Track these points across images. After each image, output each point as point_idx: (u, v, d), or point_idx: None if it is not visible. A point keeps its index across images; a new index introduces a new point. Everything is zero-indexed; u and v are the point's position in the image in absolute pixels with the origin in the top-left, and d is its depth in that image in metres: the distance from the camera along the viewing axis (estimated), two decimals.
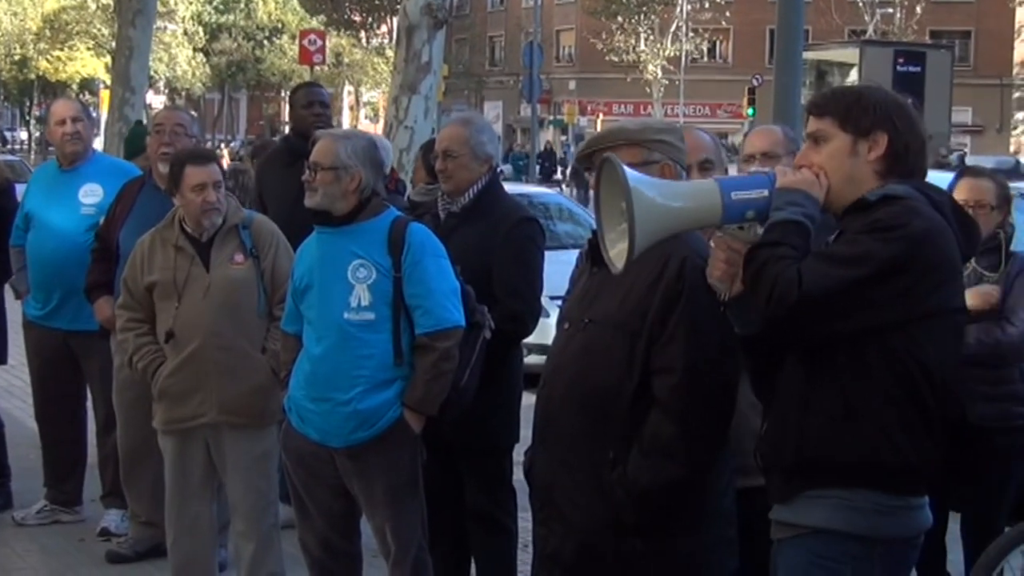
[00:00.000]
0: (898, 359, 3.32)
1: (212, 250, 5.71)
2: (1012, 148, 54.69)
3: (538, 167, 45.04)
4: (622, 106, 57.58)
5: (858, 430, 3.32)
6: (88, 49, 54.87)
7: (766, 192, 3.35)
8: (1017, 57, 58.54)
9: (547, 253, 5.75)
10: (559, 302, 4.61)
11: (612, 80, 57.69)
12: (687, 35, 55.98)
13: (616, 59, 55.25)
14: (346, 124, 57.17)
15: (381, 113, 50.03)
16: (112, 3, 27.88)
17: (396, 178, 8.32)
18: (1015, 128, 58.20)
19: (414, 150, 10.51)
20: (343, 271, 4.97)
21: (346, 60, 61.34)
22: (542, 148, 51.39)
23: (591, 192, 4.27)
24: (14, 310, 7.66)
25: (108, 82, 33.33)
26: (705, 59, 60.32)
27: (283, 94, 65.77)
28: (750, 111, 43.13)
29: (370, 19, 64.35)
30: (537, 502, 4.11)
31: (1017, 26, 57.93)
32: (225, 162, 15.49)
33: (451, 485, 5.57)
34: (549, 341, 4.26)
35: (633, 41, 55.45)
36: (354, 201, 5.01)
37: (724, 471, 3.95)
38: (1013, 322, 5.44)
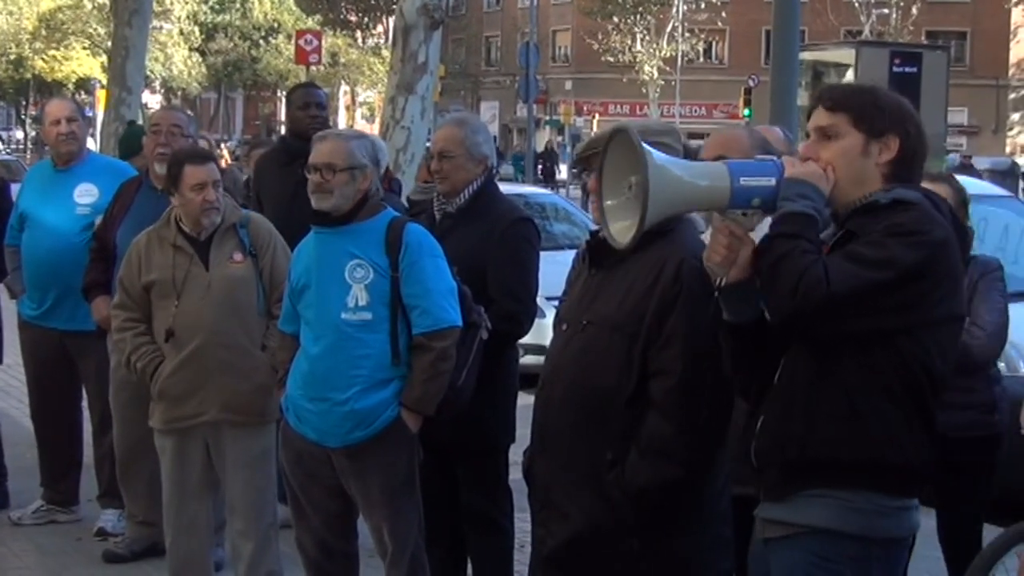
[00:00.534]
0: (905, 363, 3.34)
1: (211, 249, 5.71)
2: (1008, 149, 54.79)
3: (540, 167, 44.98)
4: (618, 106, 57.57)
5: (864, 431, 3.34)
6: (84, 49, 54.84)
7: (774, 181, 3.34)
8: (1013, 58, 58.59)
9: (543, 253, 5.75)
10: (555, 303, 4.62)
11: (608, 80, 57.72)
12: (683, 36, 55.98)
13: (612, 59, 55.27)
14: (342, 124, 57.14)
15: (377, 113, 50.00)
16: (108, 3, 27.90)
17: (391, 178, 8.32)
18: (1011, 129, 58.26)
19: (410, 150, 10.53)
20: (340, 271, 4.97)
21: (342, 60, 61.30)
22: (543, 148, 51.30)
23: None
24: (9, 310, 7.66)
25: (104, 82, 33.32)
26: (701, 60, 60.34)
27: (279, 94, 65.80)
28: (746, 112, 43.11)
29: (366, 19, 64.34)
30: (536, 503, 4.12)
31: (1013, 27, 57.98)
32: (224, 162, 15.51)
33: (448, 485, 5.58)
34: (546, 341, 4.27)
35: (629, 41, 55.46)
36: (358, 200, 5.02)
37: (720, 472, 3.96)
38: (980, 326, 5.43)
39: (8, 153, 41.37)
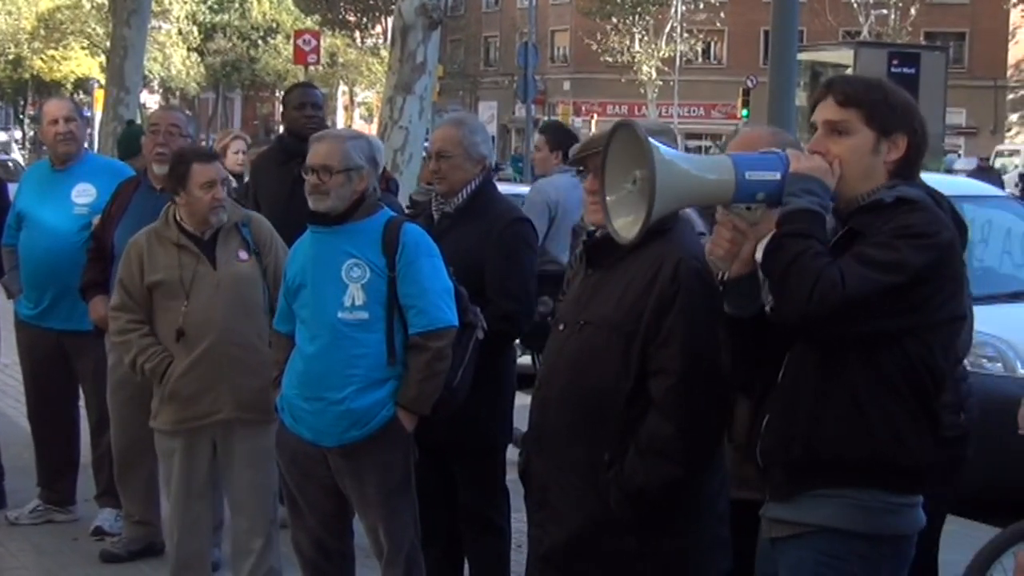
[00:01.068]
0: (910, 362, 3.35)
1: (217, 247, 5.70)
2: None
3: None
4: (616, 107, 57.51)
5: (870, 430, 3.34)
6: (83, 48, 54.90)
7: (779, 175, 3.32)
8: (1011, 59, 58.58)
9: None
10: None
11: (607, 81, 57.70)
12: (682, 36, 55.98)
13: (611, 60, 55.25)
14: (340, 124, 57.14)
15: (375, 113, 50.02)
16: (107, 2, 27.87)
17: (388, 178, 8.32)
18: (1009, 130, 58.24)
19: (408, 150, 10.52)
20: (337, 270, 4.97)
21: (341, 60, 61.32)
22: None
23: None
24: (6, 309, 7.65)
25: (102, 81, 33.32)
26: (699, 60, 60.30)
27: (277, 94, 65.66)
28: (744, 112, 43.16)
29: (365, 19, 64.34)
30: (533, 503, 4.11)
31: (1011, 28, 57.96)
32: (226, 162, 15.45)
33: (444, 485, 5.58)
34: None
35: (628, 42, 55.45)
36: (355, 201, 5.02)
37: (718, 471, 3.96)
38: None
39: (7, 153, 41.24)
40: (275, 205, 6.81)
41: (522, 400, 4.93)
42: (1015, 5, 55.69)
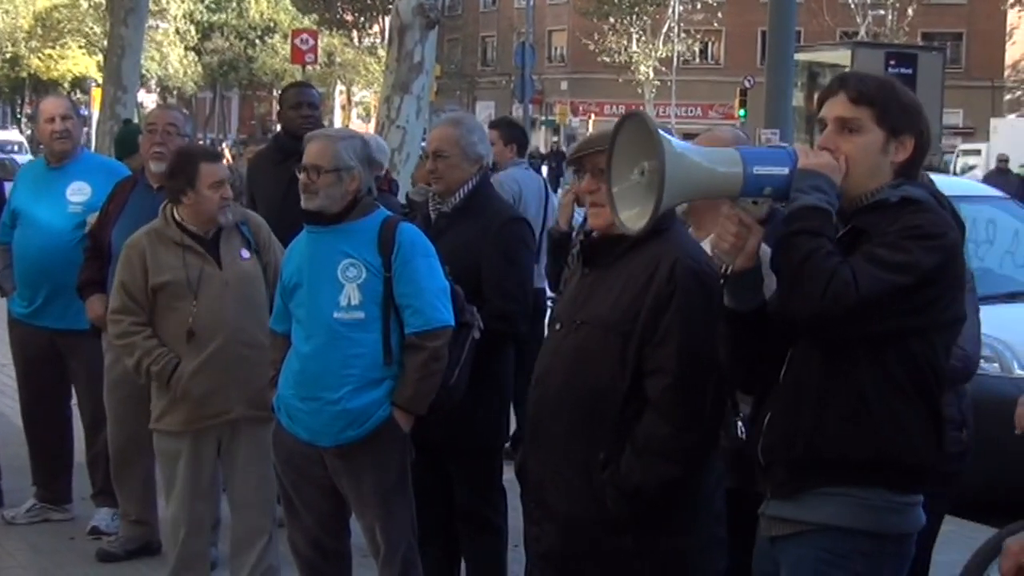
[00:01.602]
0: (915, 363, 3.36)
1: (220, 246, 5.69)
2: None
3: (545, 168, 44.79)
4: (614, 107, 57.48)
5: (876, 429, 3.34)
6: (80, 47, 54.87)
7: (787, 170, 3.31)
8: (1008, 59, 58.60)
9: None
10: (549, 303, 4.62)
11: (604, 81, 57.71)
12: (679, 36, 56.00)
13: (608, 60, 55.28)
14: (338, 123, 57.14)
15: (373, 113, 49.98)
16: (104, 1, 27.86)
17: (390, 179, 8.32)
18: (995, 131, 58.19)
19: (406, 150, 10.53)
20: (333, 270, 4.96)
21: (338, 59, 61.30)
22: (548, 149, 51.02)
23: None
24: (0, 308, 7.65)
25: (100, 80, 33.28)
26: (697, 60, 60.32)
27: (275, 93, 65.56)
28: (742, 112, 43.16)
29: (362, 19, 64.36)
30: (530, 502, 4.11)
31: (1009, 28, 57.99)
32: (227, 161, 15.46)
33: (440, 484, 5.58)
34: None
35: (625, 42, 55.48)
36: (348, 201, 5.01)
37: (714, 470, 3.96)
38: (961, 345, 5.42)
39: (3, 151, 41.18)
40: (271, 205, 6.81)
41: None
42: (1012, 6, 55.76)
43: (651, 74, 54.90)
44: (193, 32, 61.61)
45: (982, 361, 7.69)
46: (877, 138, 3.41)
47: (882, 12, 51.87)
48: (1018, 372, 7.74)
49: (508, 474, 5.55)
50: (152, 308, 5.68)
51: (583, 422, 3.86)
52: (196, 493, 5.69)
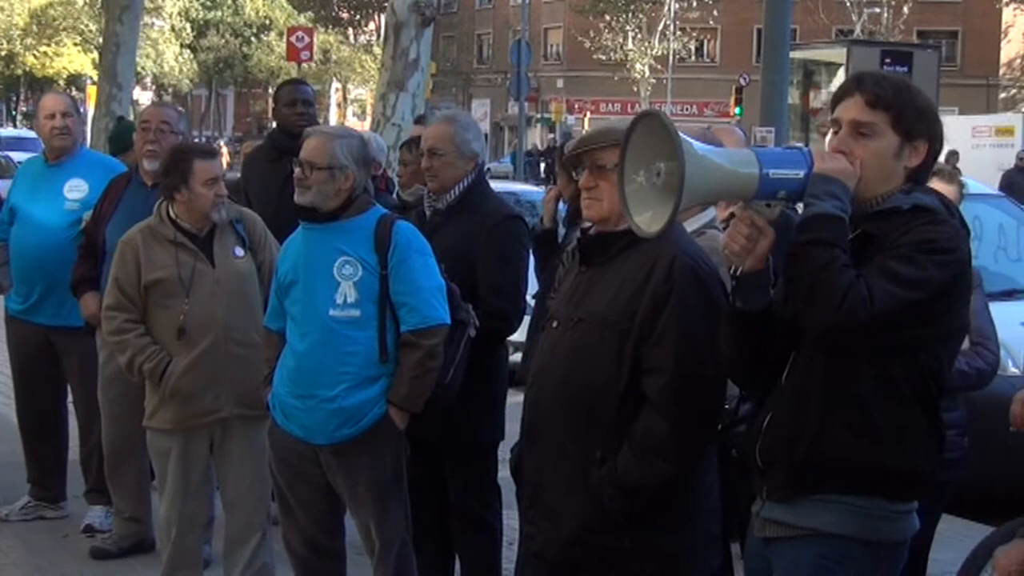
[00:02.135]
0: (920, 372, 3.35)
1: (214, 244, 5.68)
2: None
3: (543, 166, 44.73)
4: (609, 104, 57.57)
5: (877, 437, 3.33)
6: (75, 45, 54.77)
7: (802, 174, 3.28)
8: (1004, 57, 58.63)
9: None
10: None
11: (600, 78, 57.72)
12: (675, 34, 56.02)
13: (604, 58, 55.29)
14: (333, 121, 57.13)
15: (368, 110, 49.98)
16: None
17: (386, 177, 8.31)
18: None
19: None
20: (329, 268, 4.96)
21: (334, 57, 61.30)
22: (546, 146, 50.94)
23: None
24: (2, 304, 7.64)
25: (95, 78, 33.24)
26: (693, 58, 60.32)
27: (270, 91, 65.55)
28: (737, 110, 43.18)
29: (358, 16, 64.38)
30: (525, 500, 4.11)
31: (1004, 26, 58.01)
32: (225, 159, 15.46)
33: (435, 482, 5.57)
34: None
35: (621, 40, 55.47)
36: (343, 199, 5.01)
37: (710, 468, 3.96)
38: (990, 348, 5.42)
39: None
40: (266, 202, 6.80)
41: (514, 397, 4.92)
42: (1007, 4, 55.74)
43: (647, 72, 54.92)
44: (188, 29, 61.60)
45: None
46: (892, 143, 3.38)
47: (878, 10, 51.89)
48: (1012, 370, 7.74)
49: (503, 471, 5.54)
50: (144, 305, 5.66)
51: (580, 420, 3.85)
52: (187, 491, 5.68)
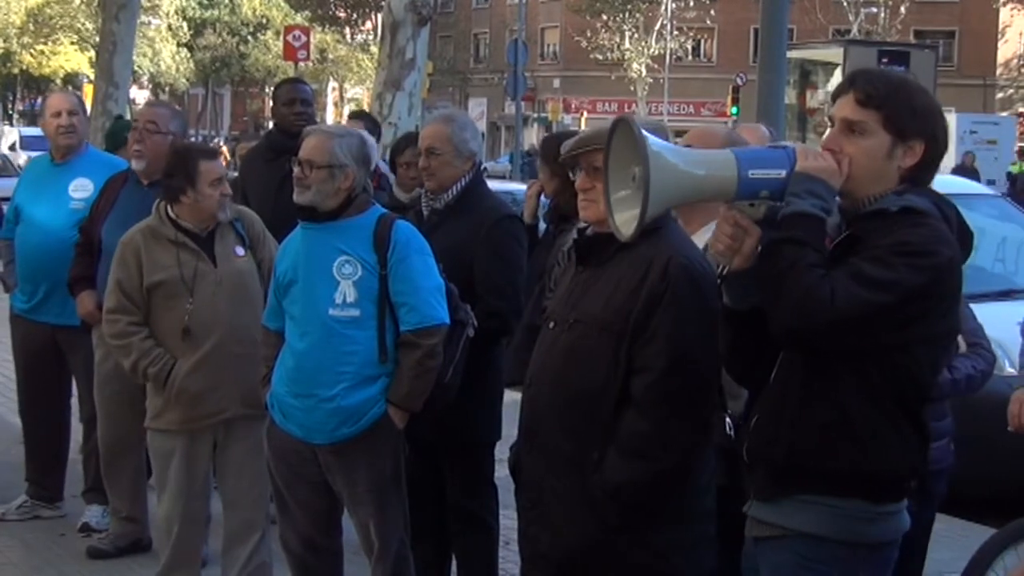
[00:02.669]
0: (897, 375, 3.31)
1: (215, 244, 5.67)
2: None
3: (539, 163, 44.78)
4: (606, 104, 57.57)
5: (854, 440, 3.31)
6: (72, 44, 54.76)
7: (783, 173, 3.25)
8: (1001, 57, 58.68)
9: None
10: None
11: (596, 78, 57.74)
12: (672, 34, 56.04)
13: (601, 57, 55.31)
14: (330, 120, 57.08)
15: (365, 109, 49.96)
16: None
17: (380, 174, 8.31)
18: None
19: None
20: (328, 267, 4.95)
21: (331, 56, 61.28)
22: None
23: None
24: (1, 304, 7.63)
25: (92, 77, 33.23)
26: (689, 58, 60.37)
27: (267, 90, 65.65)
28: (734, 110, 43.12)
29: (355, 15, 64.34)
30: (526, 501, 4.09)
31: (1001, 26, 58.07)
32: (225, 159, 15.44)
33: (433, 482, 5.57)
34: None
35: (618, 39, 55.51)
36: (343, 198, 5.00)
37: (706, 469, 3.95)
38: (988, 348, 5.43)
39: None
40: (264, 201, 6.79)
41: (511, 397, 4.92)
42: (1004, 4, 55.79)
43: (643, 71, 54.93)
44: (185, 28, 61.58)
45: None
46: (882, 142, 3.34)
47: (875, 10, 51.92)
48: (1009, 370, 7.74)
49: (501, 471, 5.54)
50: (148, 307, 5.65)
51: (577, 421, 3.85)
52: (191, 491, 5.67)
